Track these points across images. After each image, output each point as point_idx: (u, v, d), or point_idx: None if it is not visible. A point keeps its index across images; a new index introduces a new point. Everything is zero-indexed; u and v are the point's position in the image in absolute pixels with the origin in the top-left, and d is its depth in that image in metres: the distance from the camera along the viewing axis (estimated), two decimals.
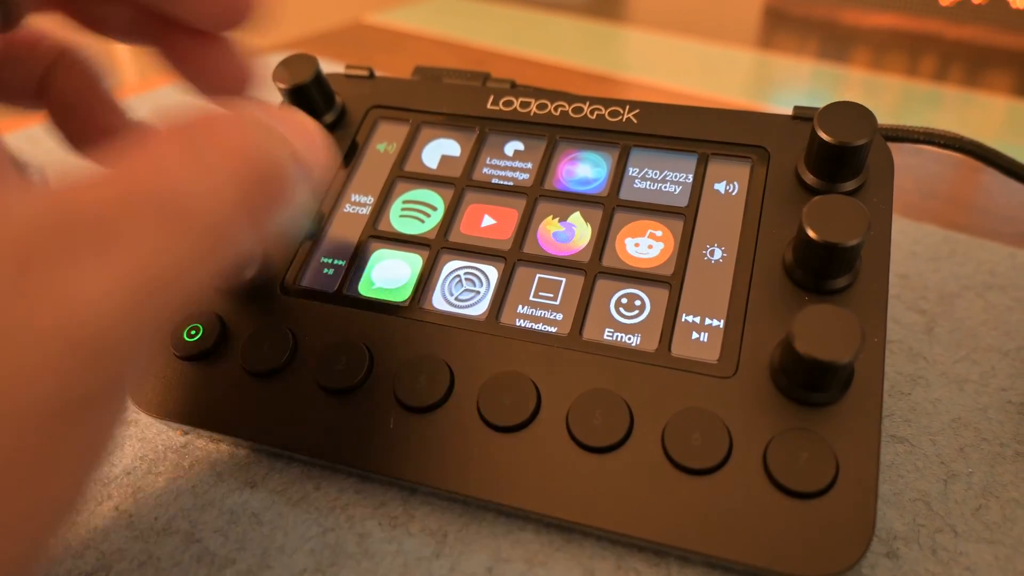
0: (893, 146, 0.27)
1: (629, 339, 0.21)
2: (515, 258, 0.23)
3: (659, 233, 0.23)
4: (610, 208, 0.24)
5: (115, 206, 0.12)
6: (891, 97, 0.56)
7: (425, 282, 0.23)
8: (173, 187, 0.13)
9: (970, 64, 0.64)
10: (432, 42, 0.66)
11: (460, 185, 0.25)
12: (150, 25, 0.19)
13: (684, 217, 0.23)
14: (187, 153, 0.14)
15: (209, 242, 0.13)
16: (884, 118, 0.25)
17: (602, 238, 0.23)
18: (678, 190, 0.24)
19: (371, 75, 0.29)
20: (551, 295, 0.22)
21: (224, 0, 0.18)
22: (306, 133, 0.16)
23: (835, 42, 0.69)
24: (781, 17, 0.77)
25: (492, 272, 0.23)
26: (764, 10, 0.79)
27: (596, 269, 0.23)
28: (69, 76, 0.20)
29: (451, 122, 0.27)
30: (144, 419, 0.24)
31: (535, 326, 0.22)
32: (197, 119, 0.14)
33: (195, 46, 0.19)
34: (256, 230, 0.15)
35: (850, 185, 0.22)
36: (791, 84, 0.61)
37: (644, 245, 0.23)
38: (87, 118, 0.20)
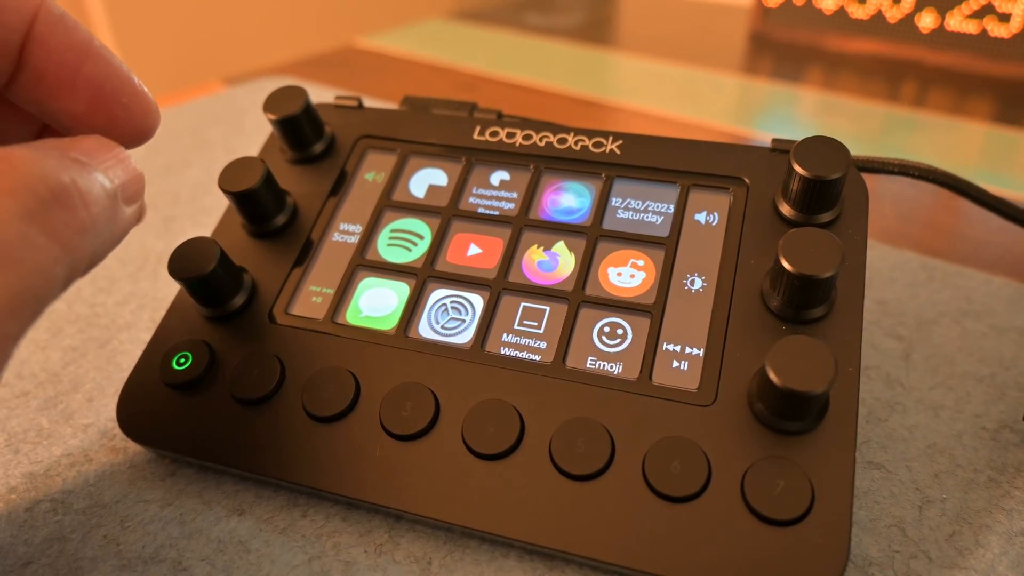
0: (872, 175, 0.27)
1: (611, 367, 0.22)
2: (500, 287, 0.24)
3: (641, 263, 0.24)
4: (593, 238, 0.24)
5: None
6: (874, 122, 0.57)
7: (412, 310, 0.24)
8: None
9: (951, 90, 0.66)
10: (421, 66, 0.66)
11: (447, 214, 0.26)
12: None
13: (665, 247, 0.24)
14: None
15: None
16: (867, 143, 0.26)
17: (585, 267, 0.24)
18: (660, 220, 0.24)
19: (360, 105, 0.29)
20: (535, 324, 0.23)
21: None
22: (101, 150, 0.18)
23: (819, 68, 0.71)
24: (766, 43, 0.79)
25: (478, 301, 0.24)
26: (749, 36, 0.81)
27: (579, 298, 0.23)
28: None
29: (438, 152, 0.27)
30: (132, 447, 0.24)
31: (519, 354, 0.22)
32: None
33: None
34: (58, 246, 0.15)
35: (826, 217, 0.23)
36: (775, 109, 0.62)
37: (626, 274, 0.23)
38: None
